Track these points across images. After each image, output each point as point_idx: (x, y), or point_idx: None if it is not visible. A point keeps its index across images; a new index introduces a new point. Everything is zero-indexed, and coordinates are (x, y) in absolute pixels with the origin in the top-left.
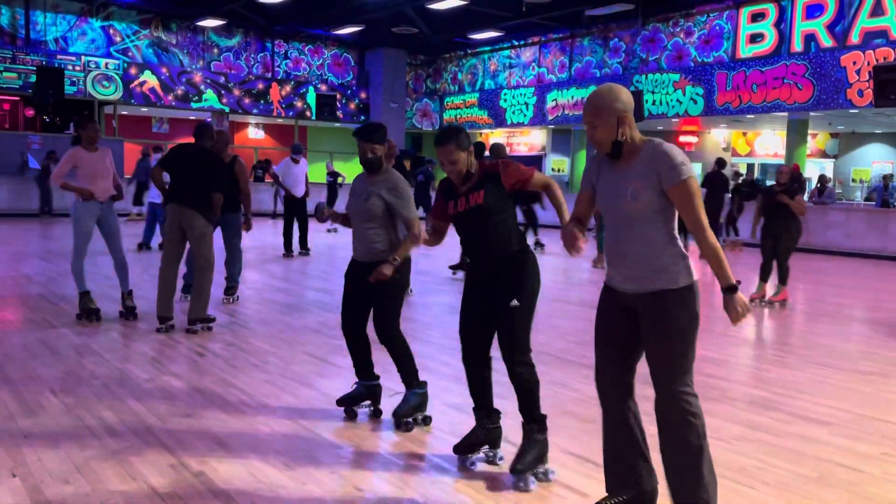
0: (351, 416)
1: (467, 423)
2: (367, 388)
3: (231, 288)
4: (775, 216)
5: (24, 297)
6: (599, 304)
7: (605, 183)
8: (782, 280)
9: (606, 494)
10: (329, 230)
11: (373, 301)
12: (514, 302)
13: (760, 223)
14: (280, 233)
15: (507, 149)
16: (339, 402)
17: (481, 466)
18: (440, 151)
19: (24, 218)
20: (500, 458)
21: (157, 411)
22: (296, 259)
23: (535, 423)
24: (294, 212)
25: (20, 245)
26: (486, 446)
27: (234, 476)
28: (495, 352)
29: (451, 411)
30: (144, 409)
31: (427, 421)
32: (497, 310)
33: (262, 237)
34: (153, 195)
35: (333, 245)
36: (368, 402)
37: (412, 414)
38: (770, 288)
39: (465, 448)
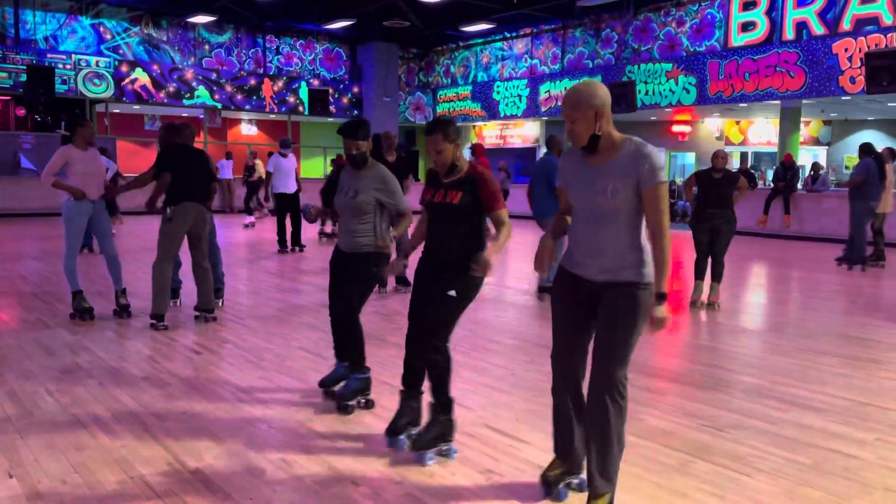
0: (348, 411)
1: (464, 415)
2: (346, 369)
3: (219, 290)
4: (715, 204)
5: (18, 297)
6: (560, 290)
7: (579, 178)
8: (719, 277)
9: (554, 460)
10: (246, 225)
11: (346, 282)
12: (452, 292)
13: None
14: (273, 229)
15: (502, 142)
16: (321, 383)
17: (481, 459)
18: (428, 140)
19: (17, 218)
20: (455, 452)
21: (154, 408)
22: (290, 255)
23: (441, 403)
24: (286, 208)
25: (13, 245)
26: (412, 426)
27: (231, 472)
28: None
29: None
30: (140, 407)
31: (370, 404)
32: (434, 295)
33: (255, 233)
34: None
35: (327, 241)
36: (343, 385)
37: (353, 397)
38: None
39: (393, 431)
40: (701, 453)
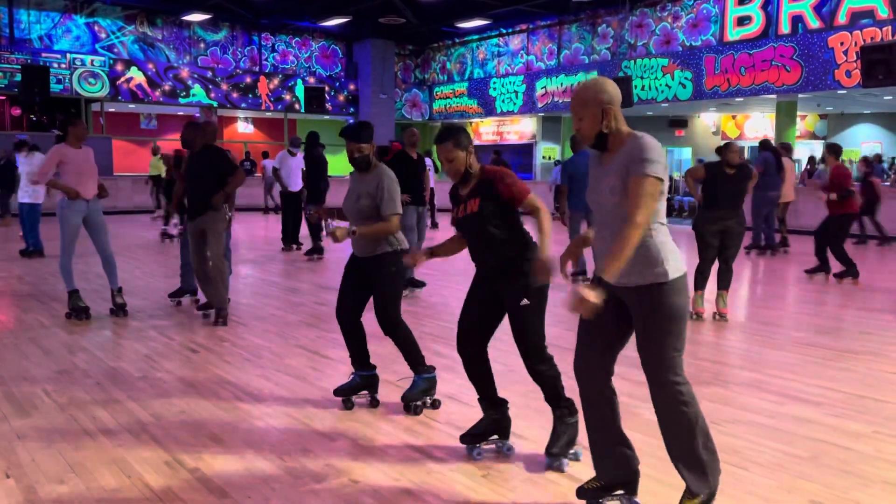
0: (349, 405)
1: (461, 412)
2: (364, 379)
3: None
4: (728, 203)
5: (14, 297)
6: None
7: (593, 178)
8: (727, 285)
9: (594, 476)
10: (155, 218)
11: (372, 293)
12: (525, 301)
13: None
14: (275, 227)
15: (498, 137)
16: (337, 392)
17: (488, 460)
18: (439, 149)
19: (12, 217)
20: (509, 449)
21: (151, 408)
22: (290, 253)
23: (563, 408)
24: (291, 205)
25: (9, 245)
26: (496, 436)
27: (230, 471)
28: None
29: (446, 401)
30: (138, 407)
31: (436, 404)
32: (500, 310)
33: (253, 232)
34: (22, 195)
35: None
36: (366, 392)
37: (421, 398)
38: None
39: (470, 438)
40: None
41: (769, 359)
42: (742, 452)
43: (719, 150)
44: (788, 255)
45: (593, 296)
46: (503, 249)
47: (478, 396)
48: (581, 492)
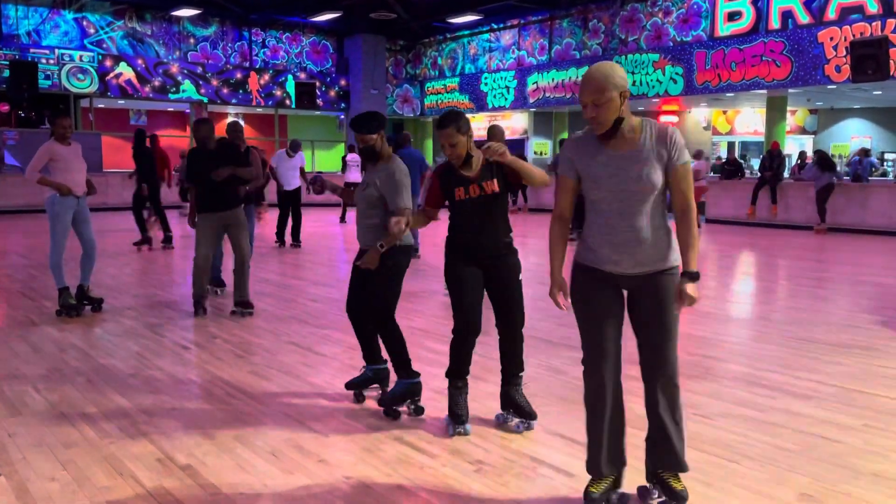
0: (360, 399)
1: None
2: (375, 372)
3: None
4: None
5: (4, 294)
6: (587, 286)
7: (603, 166)
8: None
9: (599, 474)
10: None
11: (382, 283)
12: (521, 277)
13: None
14: (269, 224)
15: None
16: (348, 385)
17: (472, 451)
18: (441, 134)
19: (2, 215)
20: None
21: (143, 405)
22: (286, 251)
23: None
24: (288, 204)
25: None
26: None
27: (222, 468)
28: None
29: (437, 396)
30: (129, 404)
31: (419, 411)
32: (503, 287)
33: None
34: None
35: (324, 236)
36: (376, 386)
37: (399, 403)
38: None
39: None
40: (689, 441)
41: (760, 353)
42: (733, 446)
43: None
44: (780, 249)
45: (695, 290)
46: (506, 227)
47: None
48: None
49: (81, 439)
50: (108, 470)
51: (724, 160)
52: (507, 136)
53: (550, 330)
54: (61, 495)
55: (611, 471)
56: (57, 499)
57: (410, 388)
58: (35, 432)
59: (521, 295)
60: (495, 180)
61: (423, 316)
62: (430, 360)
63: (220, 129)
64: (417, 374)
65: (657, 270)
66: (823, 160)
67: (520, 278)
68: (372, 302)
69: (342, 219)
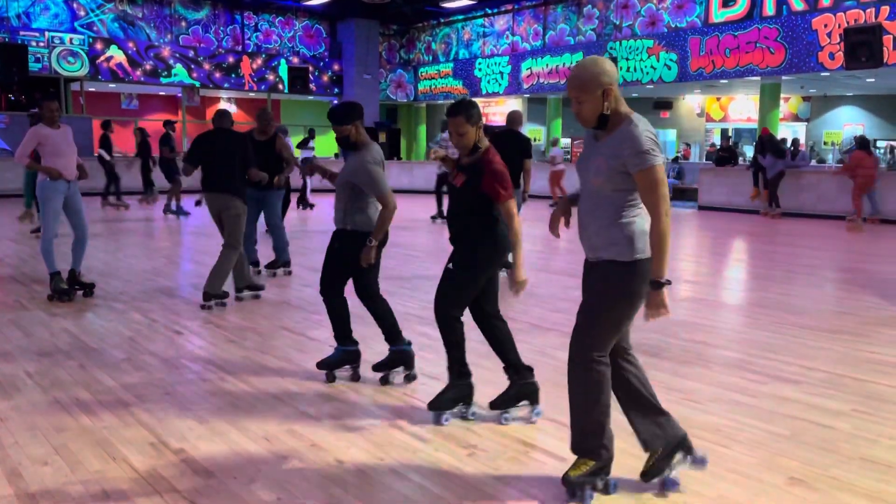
0: (331, 378)
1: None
2: (346, 354)
3: (276, 262)
4: None
5: None
6: (584, 276)
7: (584, 155)
8: None
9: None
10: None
11: (349, 265)
12: (450, 265)
13: None
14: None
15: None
16: (319, 365)
17: (465, 435)
18: (451, 122)
19: None
20: (473, 415)
21: (135, 389)
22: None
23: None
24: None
25: None
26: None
27: (215, 452)
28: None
29: (429, 381)
30: (122, 389)
31: (410, 378)
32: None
33: None
34: None
35: (309, 218)
36: (348, 367)
37: (391, 369)
38: None
39: (502, 402)
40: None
41: (751, 339)
42: (723, 431)
43: None
44: (770, 236)
45: (658, 299)
46: (470, 225)
47: (502, 365)
48: (645, 474)
49: (74, 424)
50: (101, 454)
51: (717, 147)
52: (501, 122)
53: (541, 316)
54: (54, 479)
55: (650, 443)
56: (49, 483)
57: (401, 355)
58: (27, 417)
59: (455, 283)
60: (464, 177)
61: (417, 301)
62: (423, 344)
63: (212, 114)
64: (409, 343)
65: (603, 259)
66: (775, 147)
67: (449, 266)
68: (357, 280)
69: None
